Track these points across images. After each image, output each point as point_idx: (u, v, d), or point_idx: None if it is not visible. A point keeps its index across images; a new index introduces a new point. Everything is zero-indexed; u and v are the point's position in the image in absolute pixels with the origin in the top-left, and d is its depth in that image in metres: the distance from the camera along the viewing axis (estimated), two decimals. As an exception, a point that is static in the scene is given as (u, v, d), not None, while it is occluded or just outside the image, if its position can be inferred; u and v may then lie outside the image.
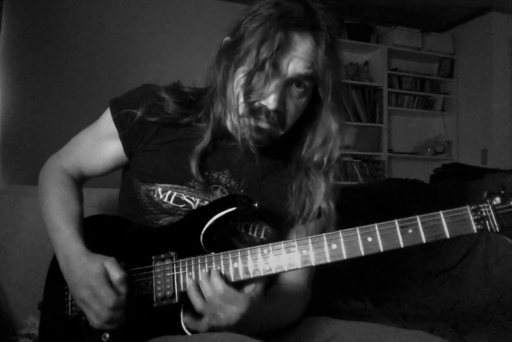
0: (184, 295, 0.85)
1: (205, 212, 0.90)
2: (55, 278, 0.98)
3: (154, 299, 0.86)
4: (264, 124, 0.90)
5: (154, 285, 0.87)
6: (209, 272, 0.82)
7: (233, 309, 0.77)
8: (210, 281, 0.80)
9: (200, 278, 0.82)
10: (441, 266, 1.72)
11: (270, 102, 0.87)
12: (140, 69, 3.54)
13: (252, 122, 0.90)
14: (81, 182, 1.07)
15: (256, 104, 0.88)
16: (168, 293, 0.85)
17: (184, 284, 0.85)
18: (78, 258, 0.88)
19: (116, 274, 0.84)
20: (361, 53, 4.54)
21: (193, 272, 0.85)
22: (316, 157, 0.95)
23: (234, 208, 0.88)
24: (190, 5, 3.92)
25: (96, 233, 0.97)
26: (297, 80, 0.89)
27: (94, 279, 0.83)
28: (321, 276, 1.52)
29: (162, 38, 3.81)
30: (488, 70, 4.32)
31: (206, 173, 0.95)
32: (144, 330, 0.86)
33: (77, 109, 3.40)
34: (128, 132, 0.97)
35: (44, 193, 1.01)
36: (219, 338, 0.75)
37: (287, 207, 0.97)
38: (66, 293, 0.96)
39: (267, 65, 0.84)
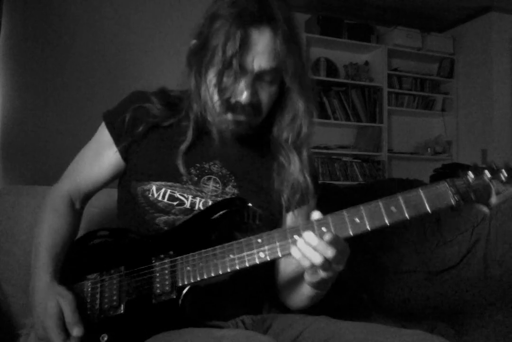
0: (181, 290, 0.86)
1: (202, 216, 0.94)
2: None
3: (153, 295, 0.88)
4: (241, 117, 0.95)
5: (153, 282, 0.88)
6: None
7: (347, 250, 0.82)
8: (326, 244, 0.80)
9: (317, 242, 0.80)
10: (441, 266, 1.72)
11: (244, 97, 0.92)
12: (141, 69, 3.54)
13: (230, 117, 0.95)
14: (82, 206, 1.10)
15: (231, 100, 0.93)
16: (167, 288, 0.87)
17: (182, 278, 0.87)
18: (41, 291, 0.91)
19: (68, 316, 0.86)
20: (361, 53, 4.54)
21: (190, 266, 0.87)
22: (285, 135, 1.01)
23: (228, 209, 0.92)
24: (191, 6, 3.92)
25: (96, 247, 0.99)
26: (264, 73, 0.93)
27: (48, 319, 0.86)
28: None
29: (163, 38, 3.81)
30: (488, 70, 4.32)
31: (198, 165, 1.00)
32: (144, 329, 0.87)
33: (78, 109, 3.40)
34: (124, 139, 1.02)
35: (40, 219, 1.04)
36: (227, 333, 0.76)
37: (276, 190, 1.02)
38: None
39: (234, 63, 0.89)
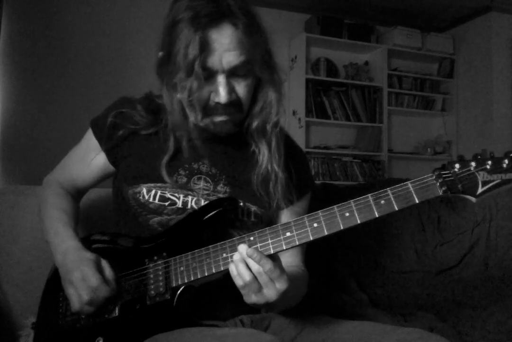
0: (175, 290, 0.86)
1: (194, 217, 0.94)
2: (51, 292, 1.01)
3: (147, 297, 0.88)
4: (224, 117, 0.94)
5: (147, 284, 0.89)
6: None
7: (277, 286, 0.79)
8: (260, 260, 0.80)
9: (249, 255, 0.81)
10: (441, 266, 1.72)
11: (222, 97, 0.90)
12: (142, 69, 3.53)
13: (213, 119, 0.94)
14: (77, 196, 1.15)
15: (211, 103, 0.92)
16: (161, 289, 0.87)
17: (176, 279, 0.87)
18: (76, 250, 0.94)
19: (108, 268, 0.91)
20: (361, 53, 4.54)
21: (184, 266, 0.87)
22: (254, 124, 0.99)
23: (220, 209, 0.92)
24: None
25: (92, 251, 0.99)
26: (236, 68, 0.91)
27: (86, 263, 0.89)
28: (320, 276, 1.52)
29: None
30: (488, 70, 4.32)
31: (187, 165, 1.00)
32: (139, 331, 0.87)
33: (77, 109, 3.40)
34: (110, 144, 1.04)
35: (44, 205, 1.08)
36: (229, 332, 0.76)
37: (257, 184, 1.01)
38: (60, 299, 0.98)
39: (196, 67, 0.87)
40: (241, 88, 0.94)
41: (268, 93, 0.98)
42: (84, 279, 0.88)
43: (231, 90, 0.92)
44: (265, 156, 0.99)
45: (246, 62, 0.91)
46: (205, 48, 0.87)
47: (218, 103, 0.92)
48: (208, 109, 0.93)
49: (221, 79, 0.90)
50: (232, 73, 0.91)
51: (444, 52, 4.64)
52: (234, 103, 0.94)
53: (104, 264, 0.92)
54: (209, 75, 0.90)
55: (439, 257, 1.73)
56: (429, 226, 1.76)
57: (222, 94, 0.90)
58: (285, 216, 1.06)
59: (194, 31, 0.86)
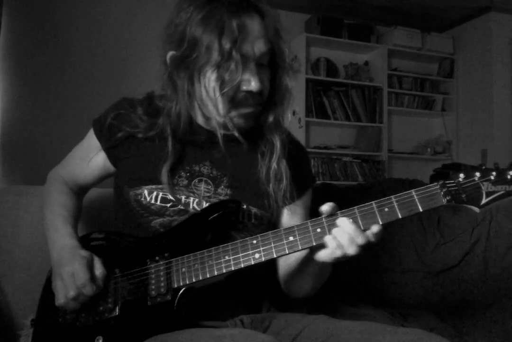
0: (176, 291, 0.86)
1: (197, 218, 0.94)
2: (51, 290, 1.00)
3: (148, 297, 0.88)
4: (250, 109, 0.94)
5: (148, 284, 0.89)
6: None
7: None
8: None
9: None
10: (441, 266, 1.72)
11: (254, 85, 0.90)
12: (142, 70, 3.54)
13: (240, 112, 0.93)
14: (80, 193, 1.16)
15: (239, 94, 0.91)
16: (162, 290, 0.87)
17: (178, 280, 0.87)
18: (71, 248, 0.95)
19: (99, 268, 0.91)
20: (361, 53, 4.54)
21: (186, 268, 0.87)
22: (270, 119, 0.99)
23: (222, 211, 0.92)
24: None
25: (91, 249, 0.99)
26: (262, 56, 0.93)
27: (78, 260, 0.90)
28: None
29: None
30: (488, 70, 4.32)
31: (188, 167, 0.99)
32: (139, 331, 0.87)
33: (77, 109, 3.40)
34: (109, 144, 1.04)
35: (47, 200, 1.10)
36: (227, 333, 0.76)
37: (263, 183, 1.00)
38: None
39: (234, 54, 0.87)
40: (265, 77, 0.95)
41: (283, 86, 0.98)
42: (74, 274, 0.88)
43: (261, 79, 0.92)
44: (278, 150, 0.99)
45: (270, 50, 0.93)
46: (240, 34, 0.87)
47: (248, 92, 0.91)
48: (236, 100, 0.92)
49: (253, 66, 0.91)
50: (258, 62, 0.92)
51: (444, 52, 4.64)
52: (260, 93, 0.94)
53: (96, 262, 0.92)
54: (241, 63, 0.89)
55: (439, 257, 1.72)
56: (429, 226, 1.76)
57: (254, 82, 0.90)
58: (287, 214, 1.05)
59: (228, 18, 0.87)
